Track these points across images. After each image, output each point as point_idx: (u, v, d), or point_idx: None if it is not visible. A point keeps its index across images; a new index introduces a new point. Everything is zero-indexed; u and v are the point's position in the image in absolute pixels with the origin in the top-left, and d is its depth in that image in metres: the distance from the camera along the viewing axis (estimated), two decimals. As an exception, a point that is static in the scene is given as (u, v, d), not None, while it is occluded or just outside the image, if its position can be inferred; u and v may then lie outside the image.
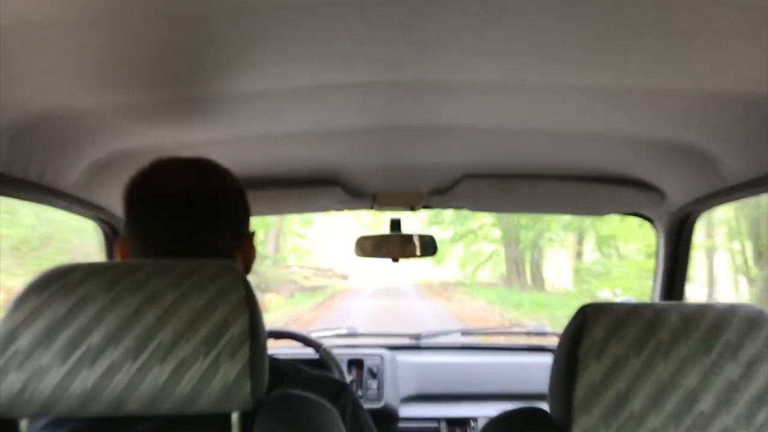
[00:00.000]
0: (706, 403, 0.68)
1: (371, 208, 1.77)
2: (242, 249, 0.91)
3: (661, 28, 0.74)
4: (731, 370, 0.68)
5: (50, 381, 0.64)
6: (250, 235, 0.93)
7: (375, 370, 2.09)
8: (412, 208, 1.75)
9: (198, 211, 0.85)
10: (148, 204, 0.85)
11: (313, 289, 18.91)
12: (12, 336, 0.65)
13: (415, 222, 14.71)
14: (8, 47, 0.73)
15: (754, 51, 0.78)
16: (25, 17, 0.68)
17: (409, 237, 1.92)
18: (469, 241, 19.51)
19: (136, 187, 0.87)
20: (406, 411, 2.06)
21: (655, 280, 1.77)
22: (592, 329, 0.71)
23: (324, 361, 1.96)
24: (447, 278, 23.58)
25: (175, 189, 0.85)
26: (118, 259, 0.89)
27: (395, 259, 1.91)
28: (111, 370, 0.64)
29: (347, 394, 0.88)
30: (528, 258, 17.78)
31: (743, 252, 11.03)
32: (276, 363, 0.85)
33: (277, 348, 2.25)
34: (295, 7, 0.70)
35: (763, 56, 0.79)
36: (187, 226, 0.84)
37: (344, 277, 24.85)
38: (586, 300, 0.79)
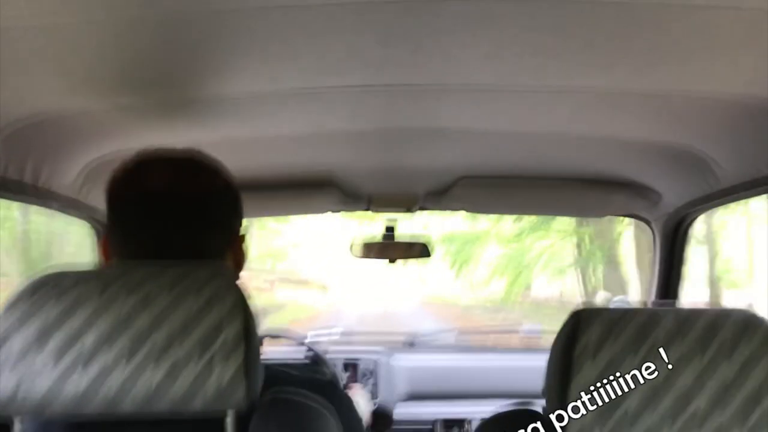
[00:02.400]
0: (700, 403, 0.68)
1: (367, 210, 1.78)
2: (232, 250, 0.87)
3: (656, 32, 0.74)
4: (726, 371, 0.68)
5: (43, 382, 0.64)
6: (241, 236, 0.89)
7: (370, 370, 2.09)
8: (408, 210, 1.75)
9: (184, 211, 0.80)
10: (131, 203, 0.80)
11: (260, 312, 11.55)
12: (4, 338, 0.65)
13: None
14: (2, 50, 0.73)
15: (748, 55, 0.78)
16: (20, 20, 0.68)
17: (406, 240, 1.93)
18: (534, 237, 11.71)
19: (118, 183, 0.81)
20: (402, 412, 2.06)
21: (650, 281, 1.78)
22: (586, 332, 0.71)
23: (315, 360, 1.97)
24: (469, 297, 14.99)
25: (159, 188, 0.79)
26: (100, 257, 0.85)
27: (391, 261, 1.92)
28: (104, 372, 0.64)
29: (335, 392, 0.88)
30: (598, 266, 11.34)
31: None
32: (266, 367, 0.84)
33: (268, 351, 2.25)
34: (290, 10, 0.70)
35: (757, 60, 0.79)
36: (172, 227, 0.79)
37: (323, 289, 17.56)
38: None
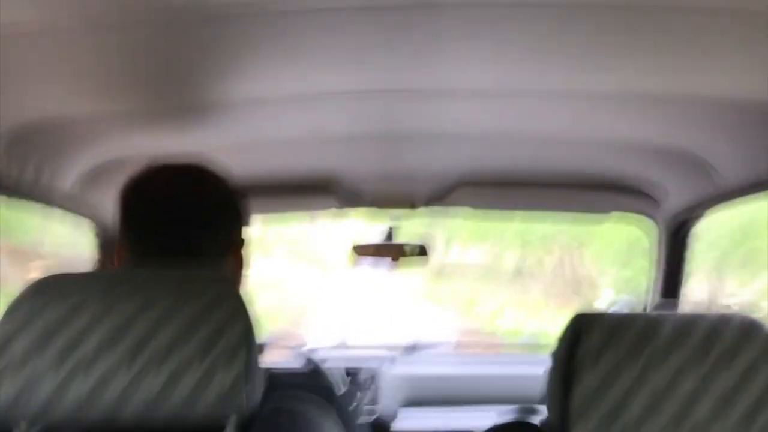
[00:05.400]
0: (703, 410, 0.68)
1: (367, 214, 1.78)
2: (233, 256, 0.90)
3: (657, 35, 0.74)
4: (727, 377, 0.68)
5: (45, 388, 0.64)
6: (241, 243, 0.92)
7: (369, 381, 2.08)
8: (408, 214, 1.76)
9: (187, 217, 0.85)
10: (139, 208, 0.85)
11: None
12: (6, 343, 0.64)
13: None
14: (5, 55, 0.74)
15: (750, 58, 0.79)
16: (22, 26, 0.68)
17: (405, 245, 1.93)
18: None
19: (128, 191, 0.87)
20: (401, 422, 2.05)
21: (653, 284, 1.77)
22: (587, 338, 0.71)
23: (315, 368, 1.96)
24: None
25: (165, 194, 0.85)
26: (115, 264, 0.89)
27: (393, 260, 1.93)
28: (106, 378, 0.64)
29: (335, 400, 0.88)
30: None
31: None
32: (267, 373, 0.84)
33: (267, 359, 2.24)
34: (290, 15, 0.70)
35: (759, 63, 0.80)
36: (176, 233, 0.84)
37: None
38: None
